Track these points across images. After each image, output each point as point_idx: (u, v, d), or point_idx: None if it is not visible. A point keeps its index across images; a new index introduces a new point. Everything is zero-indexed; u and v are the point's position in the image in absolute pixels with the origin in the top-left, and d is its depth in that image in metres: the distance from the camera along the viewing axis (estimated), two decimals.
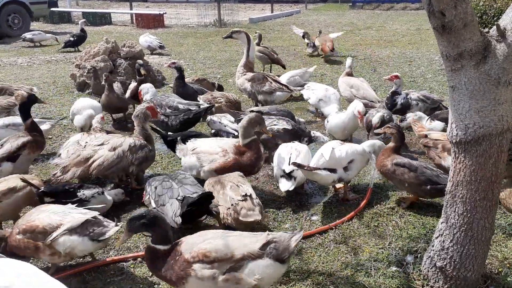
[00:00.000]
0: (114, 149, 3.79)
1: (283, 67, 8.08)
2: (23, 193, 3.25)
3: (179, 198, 3.13)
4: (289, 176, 3.63)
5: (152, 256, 2.46)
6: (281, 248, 2.38)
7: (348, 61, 6.09)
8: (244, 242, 2.39)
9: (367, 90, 5.73)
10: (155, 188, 3.29)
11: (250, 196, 3.24)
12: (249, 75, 5.78)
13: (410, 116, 4.93)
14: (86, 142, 4.10)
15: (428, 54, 9.73)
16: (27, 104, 4.15)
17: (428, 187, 3.44)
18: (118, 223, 2.92)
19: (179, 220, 3.02)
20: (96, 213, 2.88)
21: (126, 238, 2.60)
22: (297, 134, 4.41)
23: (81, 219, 2.76)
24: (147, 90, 5.60)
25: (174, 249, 2.44)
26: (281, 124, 4.44)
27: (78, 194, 3.30)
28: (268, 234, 2.45)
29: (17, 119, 4.69)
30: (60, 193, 3.27)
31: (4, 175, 3.72)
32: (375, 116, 4.56)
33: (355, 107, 4.59)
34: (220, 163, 3.66)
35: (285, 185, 3.62)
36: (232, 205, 3.17)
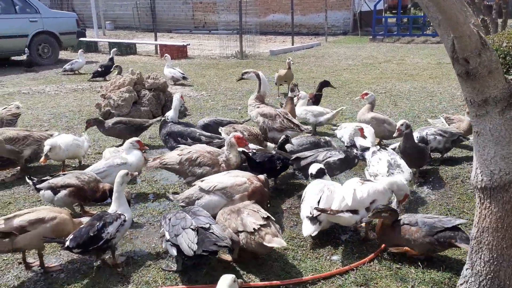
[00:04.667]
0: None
1: None
2: (51, 225, 3.30)
3: (192, 227, 3.14)
4: (314, 219, 3.60)
5: None
6: None
7: (371, 96, 6.10)
8: None
9: (395, 122, 5.85)
10: (169, 219, 3.31)
11: (271, 219, 3.34)
12: (263, 109, 5.86)
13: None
14: (118, 151, 4.91)
15: (449, 89, 9.69)
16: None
17: (435, 236, 3.23)
18: None
19: (195, 246, 3.02)
20: None
21: None
22: (352, 161, 4.63)
23: None
24: (173, 106, 5.60)
25: None
26: (335, 156, 4.56)
27: (103, 235, 3.26)
28: None
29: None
30: (86, 242, 3.22)
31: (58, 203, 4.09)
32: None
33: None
34: (252, 188, 3.86)
35: (308, 229, 3.59)
36: (254, 229, 3.20)
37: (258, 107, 5.91)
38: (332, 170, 4.48)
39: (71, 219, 3.47)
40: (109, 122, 6.16)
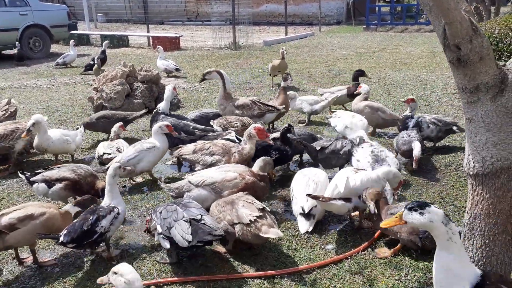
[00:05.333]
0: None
1: None
2: (40, 221, 3.27)
3: (184, 219, 3.13)
4: (307, 215, 3.63)
5: None
6: None
7: (365, 88, 6.13)
8: None
9: (391, 111, 6.02)
10: (160, 213, 3.29)
11: (266, 210, 3.34)
12: (236, 102, 5.93)
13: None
14: (113, 147, 5.00)
15: (443, 77, 9.70)
16: None
17: (425, 234, 3.19)
18: None
19: (189, 237, 3.01)
20: None
21: None
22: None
23: None
24: (165, 97, 5.65)
25: None
26: (348, 145, 4.72)
27: (97, 229, 3.24)
28: None
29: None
30: (80, 236, 3.19)
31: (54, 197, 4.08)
32: (416, 148, 4.61)
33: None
34: (242, 184, 3.79)
35: (304, 226, 3.65)
36: (251, 221, 3.19)
37: (230, 103, 5.94)
38: (345, 158, 4.66)
39: (60, 213, 3.44)
40: (93, 117, 6.08)
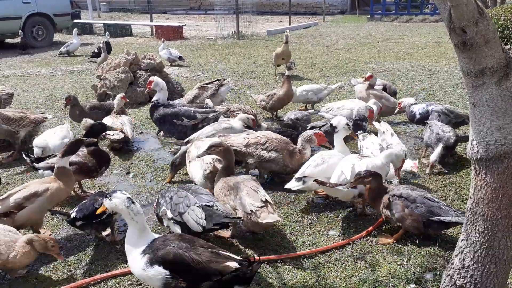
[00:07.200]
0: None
1: None
2: (46, 196, 3.31)
3: (197, 205, 3.12)
4: (300, 179, 3.76)
5: None
6: None
7: (374, 79, 6.12)
8: None
9: (395, 99, 6.09)
10: (170, 198, 3.27)
11: (269, 202, 3.34)
12: (187, 99, 6.11)
13: None
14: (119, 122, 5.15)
15: (447, 67, 9.64)
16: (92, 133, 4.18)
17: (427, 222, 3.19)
18: None
19: (204, 222, 3.02)
20: None
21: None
22: (360, 126, 4.92)
23: None
24: (160, 88, 5.38)
25: None
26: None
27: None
28: None
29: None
30: (91, 214, 3.22)
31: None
32: (435, 152, 4.55)
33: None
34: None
35: (290, 184, 3.82)
36: (251, 211, 3.22)
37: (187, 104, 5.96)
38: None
39: (60, 185, 3.44)
40: (85, 107, 5.98)
